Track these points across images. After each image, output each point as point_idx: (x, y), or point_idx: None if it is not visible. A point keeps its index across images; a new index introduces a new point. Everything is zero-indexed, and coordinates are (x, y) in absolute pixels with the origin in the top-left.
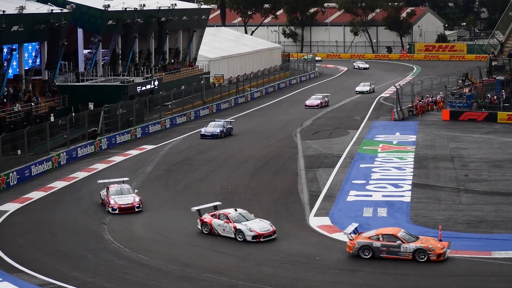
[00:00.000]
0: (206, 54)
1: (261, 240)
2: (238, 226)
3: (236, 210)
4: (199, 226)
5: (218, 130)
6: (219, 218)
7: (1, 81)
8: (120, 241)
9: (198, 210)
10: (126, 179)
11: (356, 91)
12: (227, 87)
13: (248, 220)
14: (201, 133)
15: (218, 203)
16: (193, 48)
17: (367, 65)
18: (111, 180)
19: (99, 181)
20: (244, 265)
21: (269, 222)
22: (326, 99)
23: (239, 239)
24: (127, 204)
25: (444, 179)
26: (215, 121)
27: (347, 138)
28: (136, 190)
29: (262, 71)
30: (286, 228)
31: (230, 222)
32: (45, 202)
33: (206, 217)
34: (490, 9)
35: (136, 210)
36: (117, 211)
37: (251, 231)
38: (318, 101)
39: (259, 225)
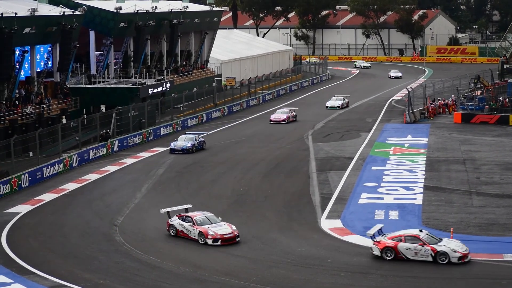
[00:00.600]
0: (218, 56)
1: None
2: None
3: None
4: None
5: (189, 144)
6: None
7: (13, 83)
8: (131, 243)
9: (168, 212)
10: (189, 206)
11: (327, 106)
12: (239, 89)
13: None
14: (171, 147)
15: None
16: (205, 50)
17: (400, 74)
18: (174, 208)
19: (162, 211)
20: (255, 267)
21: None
22: (294, 113)
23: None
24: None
25: (456, 182)
26: (186, 134)
27: (359, 141)
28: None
29: (274, 74)
30: (297, 230)
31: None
32: (57, 204)
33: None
34: (502, 11)
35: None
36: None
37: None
38: (285, 116)
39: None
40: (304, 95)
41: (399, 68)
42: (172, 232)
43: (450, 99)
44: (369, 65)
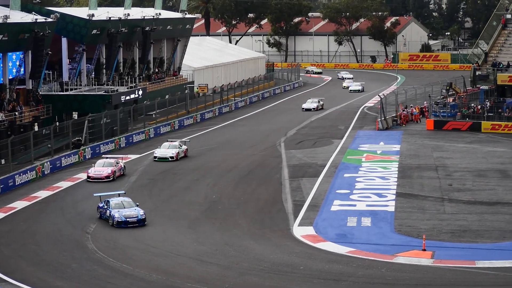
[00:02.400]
0: (190, 63)
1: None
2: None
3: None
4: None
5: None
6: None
7: None
8: (104, 251)
9: (100, 197)
10: (122, 192)
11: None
12: (211, 96)
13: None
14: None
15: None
16: (177, 58)
17: (351, 75)
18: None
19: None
20: (228, 274)
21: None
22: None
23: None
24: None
25: (428, 189)
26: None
27: (331, 148)
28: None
29: (247, 81)
30: (270, 237)
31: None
32: (29, 212)
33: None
34: (474, 19)
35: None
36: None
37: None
38: (108, 170)
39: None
40: (277, 102)
41: (372, 75)
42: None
43: (413, 109)
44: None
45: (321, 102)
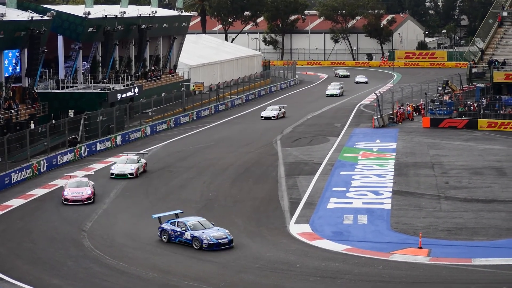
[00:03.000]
0: (187, 61)
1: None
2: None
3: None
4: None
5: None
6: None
7: None
8: (100, 249)
9: (159, 218)
10: (180, 211)
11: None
12: (208, 94)
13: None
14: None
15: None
16: (174, 55)
17: (347, 73)
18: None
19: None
20: (224, 272)
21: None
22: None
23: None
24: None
25: (425, 186)
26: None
27: (327, 145)
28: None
29: (243, 79)
30: (266, 235)
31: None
32: (25, 210)
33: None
34: (470, 16)
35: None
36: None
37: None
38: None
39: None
40: (273, 100)
41: (368, 73)
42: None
43: (408, 107)
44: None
45: (282, 110)
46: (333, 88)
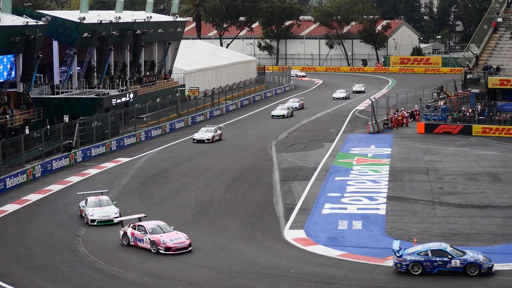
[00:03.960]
0: (182, 66)
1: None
2: (153, 237)
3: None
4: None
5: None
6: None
7: None
8: (94, 254)
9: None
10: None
11: (194, 140)
12: (202, 99)
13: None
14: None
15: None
16: (169, 61)
17: (363, 88)
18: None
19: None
20: (219, 277)
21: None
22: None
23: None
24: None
25: (419, 192)
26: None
27: (322, 151)
28: (115, 202)
29: (238, 84)
30: (261, 240)
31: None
32: (20, 215)
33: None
34: (465, 22)
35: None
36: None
37: (165, 243)
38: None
39: (174, 237)
40: (268, 105)
41: (363, 78)
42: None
43: (404, 112)
44: (363, 89)
45: (218, 132)
46: (281, 108)
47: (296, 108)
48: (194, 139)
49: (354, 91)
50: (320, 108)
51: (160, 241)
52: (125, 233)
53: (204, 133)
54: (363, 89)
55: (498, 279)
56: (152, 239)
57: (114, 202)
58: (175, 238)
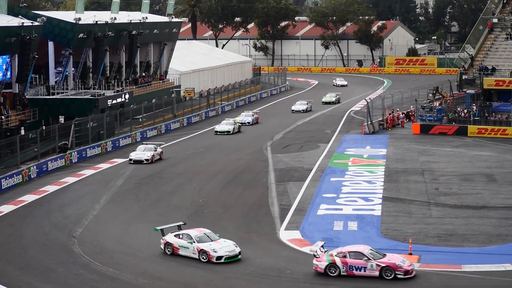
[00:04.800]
0: (177, 67)
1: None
2: (202, 246)
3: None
4: (162, 247)
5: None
6: (182, 238)
7: None
8: (90, 255)
9: (162, 230)
10: (182, 223)
11: (130, 160)
12: (198, 100)
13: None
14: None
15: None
16: (164, 61)
17: (345, 82)
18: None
19: (156, 228)
20: (214, 278)
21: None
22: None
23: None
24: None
25: (415, 193)
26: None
27: (317, 152)
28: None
29: (233, 85)
30: (256, 241)
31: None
32: (16, 216)
33: (170, 238)
34: (460, 23)
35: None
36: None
37: (215, 252)
38: None
39: (224, 246)
40: (263, 106)
41: (359, 79)
42: (168, 250)
43: (399, 113)
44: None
45: (158, 150)
46: (226, 123)
47: (248, 123)
48: (130, 160)
49: (323, 101)
50: (316, 108)
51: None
52: (167, 243)
53: (142, 152)
54: (334, 99)
55: (492, 280)
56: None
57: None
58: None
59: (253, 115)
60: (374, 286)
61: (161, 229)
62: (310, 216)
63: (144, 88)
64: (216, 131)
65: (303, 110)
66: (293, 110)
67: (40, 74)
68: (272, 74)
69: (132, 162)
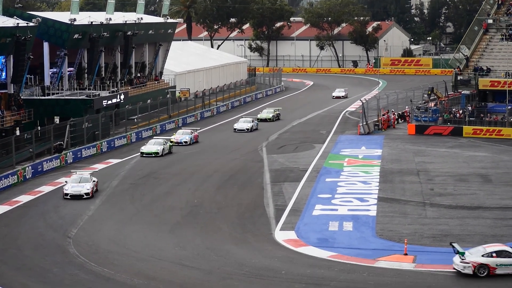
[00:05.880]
0: (172, 68)
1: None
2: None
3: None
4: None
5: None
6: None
7: None
8: (85, 255)
9: (452, 246)
10: None
11: (66, 195)
12: (193, 101)
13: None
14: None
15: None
16: (159, 62)
17: (343, 93)
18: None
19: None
20: (209, 279)
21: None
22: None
23: None
24: None
25: (410, 193)
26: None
27: (313, 152)
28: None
29: (228, 85)
30: (252, 242)
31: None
32: (11, 216)
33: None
34: (455, 23)
35: None
36: None
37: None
38: None
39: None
40: (259, 107)
41: (354, 80)
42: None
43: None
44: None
45: (194, 133)
46: (154, 143)
47: (185, 142)
48: (66, 195)
49: (258, 118)
50: (311, 109)
51: None
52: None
53: (78, 187)
54: (271, 116)
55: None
56: None
57: None
58: None
59: (191, 133)
60: (368, 282)
61: (452, 245)
62: (305, 217)
63: (139, 88)
64: (142, 153)
65: (247, 129)
66: (235, 129)
67: (35, 74)
68: (267, 74)
69: (68, 197)
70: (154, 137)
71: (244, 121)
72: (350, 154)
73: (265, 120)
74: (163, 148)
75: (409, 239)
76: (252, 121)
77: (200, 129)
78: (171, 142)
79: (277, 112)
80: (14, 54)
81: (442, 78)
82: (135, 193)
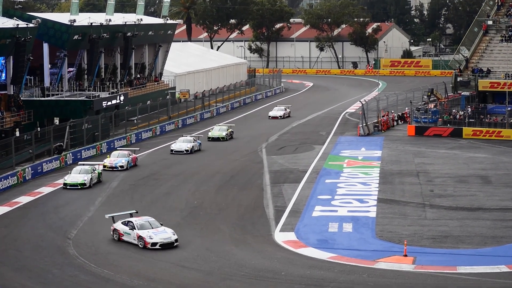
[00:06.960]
0: (172, 69)
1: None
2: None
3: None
4: (111, 233)
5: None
6: (127, 225)
7: None
8: (85, 256)
9: (112, 217)
10: (134, 211)
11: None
12: (193, 102)
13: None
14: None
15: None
16: (159, 63)
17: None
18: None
19: (106, 216)
20: (209, 280)
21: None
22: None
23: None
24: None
25: (410, 195)
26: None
27: (312, 153)
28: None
29: (228, 87)
30: (251, 243)
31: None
32: (10, 217)
33: (118, 225)
34: (455, 25)
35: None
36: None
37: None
38: None
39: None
40: (258, 108)
41: (354, 81)
42: (115, 236)
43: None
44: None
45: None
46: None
47: (121, 166)
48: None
49: (209, 137)
50: (311, 110)
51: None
52: (115, 230)
53: (182, 143)
54: (224, 134)
55: (487, 282)
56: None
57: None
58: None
59: (129, 155)
60: (369, 284)
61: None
62: (305, 218)
63: (139, 89)
64: (66, 184)
65: (186, 151)
66: (172, 150)
67: (35, 75)
68: (267, 76)
69: (104, 170)
70: (80, 162)
71: (184, 141)
72: (350, 155)
73: (217, 139)
74: (91, 178)
75: (409, 240)
76: (194, 140)
77: (138, 149)
78: (104, 166)
79: (230, 130)
80: (14, 55)
81: (442, 80)
82: (135, 194)
